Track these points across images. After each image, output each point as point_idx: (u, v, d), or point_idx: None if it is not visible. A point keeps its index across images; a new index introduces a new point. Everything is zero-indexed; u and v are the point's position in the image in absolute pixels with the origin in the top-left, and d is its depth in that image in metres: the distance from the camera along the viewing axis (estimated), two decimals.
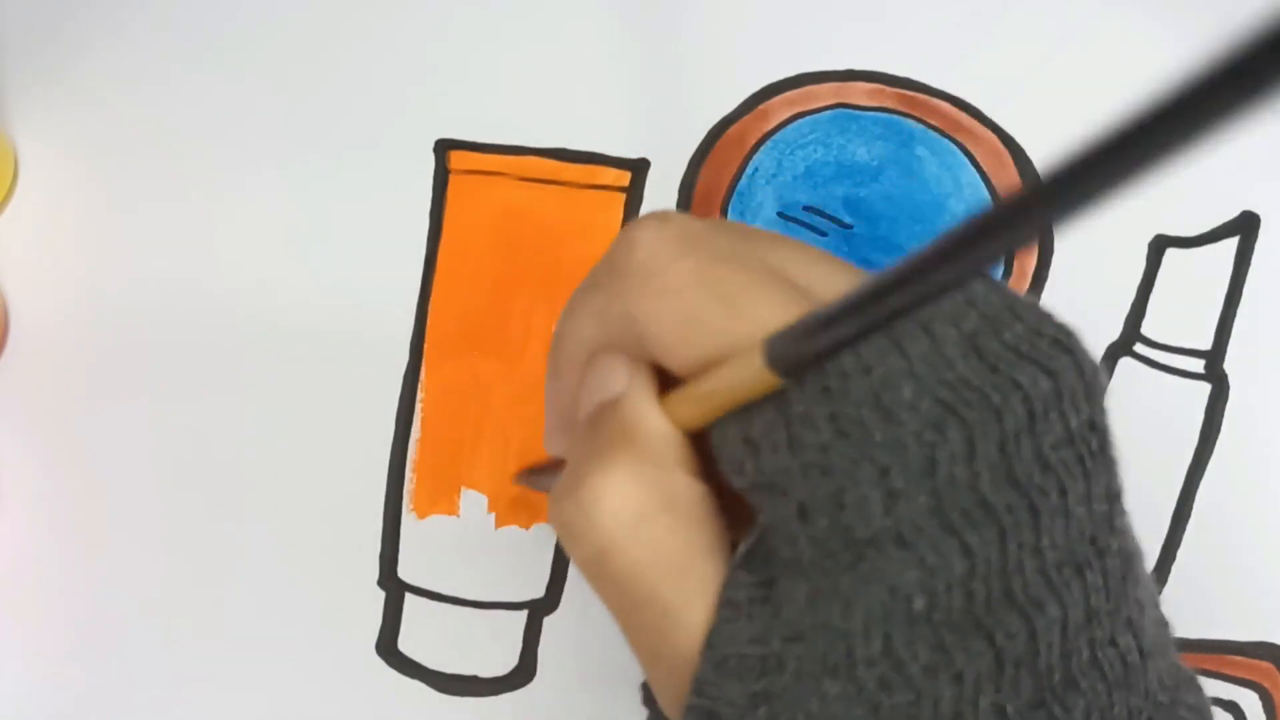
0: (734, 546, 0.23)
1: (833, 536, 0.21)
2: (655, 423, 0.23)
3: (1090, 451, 0.21)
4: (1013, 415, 0.20)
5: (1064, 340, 0.22)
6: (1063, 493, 0.21)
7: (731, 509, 0.24)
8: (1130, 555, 0.22)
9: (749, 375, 0.21)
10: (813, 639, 0.21)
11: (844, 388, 0.21)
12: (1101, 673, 0.21)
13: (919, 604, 0.20)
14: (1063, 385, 0.21)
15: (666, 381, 0.24)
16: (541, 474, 0.38)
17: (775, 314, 0.21)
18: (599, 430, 0.24)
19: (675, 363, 0.23)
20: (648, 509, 0.22)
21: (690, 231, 0.23)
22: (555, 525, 0.23)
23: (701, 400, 0.23)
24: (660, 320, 0.22)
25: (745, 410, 0.22)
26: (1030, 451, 0.20)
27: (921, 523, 0.20)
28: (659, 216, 0.23)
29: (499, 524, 0.41)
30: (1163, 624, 0.23)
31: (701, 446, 0.23)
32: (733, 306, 0.22)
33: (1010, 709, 0.20)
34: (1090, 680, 0.21)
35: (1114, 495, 0.22)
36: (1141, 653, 0.21)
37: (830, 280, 0.23)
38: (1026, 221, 0.17)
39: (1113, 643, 0.21)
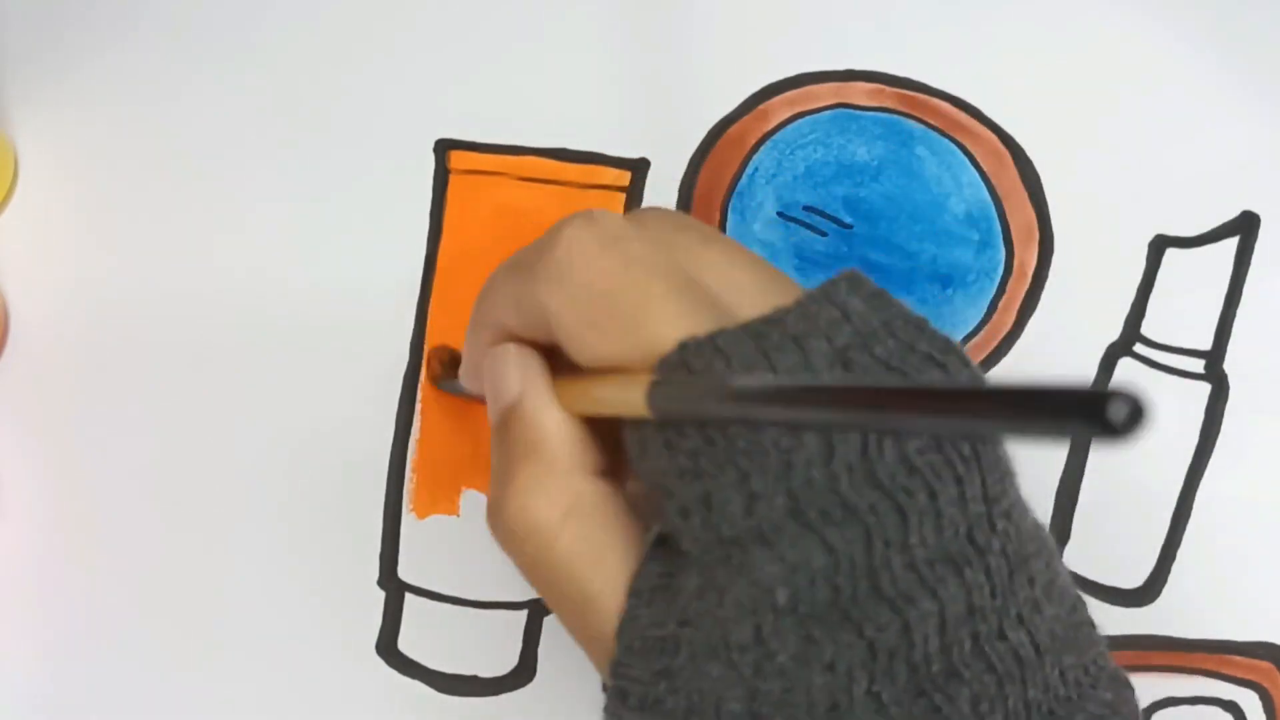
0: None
1: (706, 534, 0.22)
2: (552, 429, 0.25)
3: (962, 456, 0.22)
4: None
5: (937, 355, 0.23)
6: (932, 495, 0.21)
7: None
8: (1025, 555, 0.22)
9: (632, 403, 0.23)
10: (699, 624, 0.22)
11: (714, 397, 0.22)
12: (988, 664, 0.22)
13: (782, 597, 0.21)
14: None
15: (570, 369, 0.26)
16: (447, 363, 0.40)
17: (673, 329, 0.23)
18: (506, 441, 0.26)
19: (577, 358, 0.24)
20: (554, 517, 0.24)
21: (613, 233, 0.24)
22: (496, 540, 0.26)
23: (594, 400, 0.24)
24: (566, 317, 0.24)
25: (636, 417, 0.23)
26: (894, 455, 0.21)
27: (780, 522, 0.21)
28: (587, 215, 0.25)
29: None
30: (1080, 624, 0.24)
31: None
32: (632, 319, 0.23)
33: (886, 696, 0.21)
34: (975, 671, 0.21)
35: (993, 498, 0.22)
36: (1037, 648, 0.22)
37: (744, 291, 0.25)
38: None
39: (1001, 636, 0.22)
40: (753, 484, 0.21)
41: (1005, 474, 0.23)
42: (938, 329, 0.24)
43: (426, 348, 0.42)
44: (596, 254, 0.24)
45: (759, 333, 0.22)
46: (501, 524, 0.25)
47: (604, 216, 0.25)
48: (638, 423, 0.23)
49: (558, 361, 0.26)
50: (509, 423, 0.26)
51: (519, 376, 0.26)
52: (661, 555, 0.24)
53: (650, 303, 0.23)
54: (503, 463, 0.26)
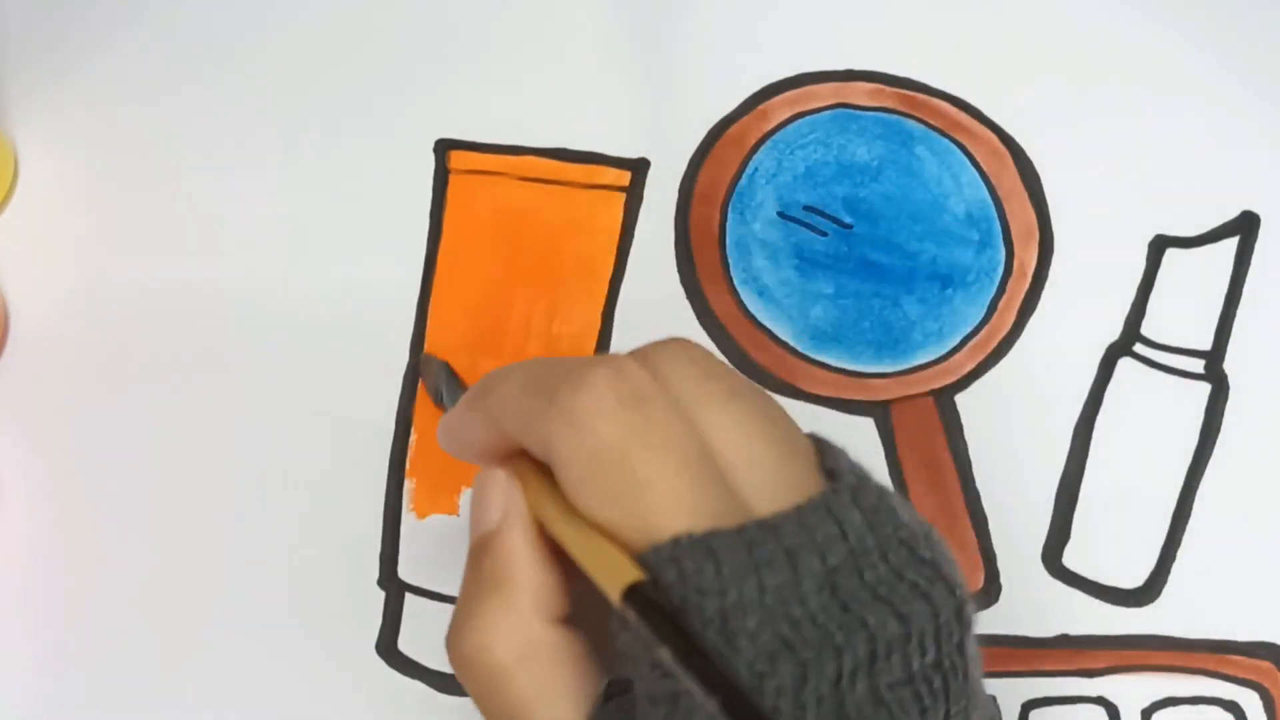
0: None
1: None
2: (521, 571, 0.25)
3: (931, 690, 0.22)
4: (852, 654, 0.22)
5: (923, 585, 0.23)
6: None
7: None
8: None
9: (607, 581, 0.23)
10: None
11: (698, 604, 0.22)
12: None
13: None
14: (912, 628, 0.22)
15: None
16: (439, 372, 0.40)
17: (673, 517, 0.23)
18: (476, 570, 0.26)
19: (575, 501, 0.24)
20: (509, 659, 0.25)
21: (639, 392, 0.24)
22: (452, 665, 0.26)
23: (574, 547, 0.24)
24: (572, 469, 0.24)
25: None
26: (864, 689, 0.22)
27: None
28: (617, 368, 0.24)
29: None
30: None
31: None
32: (636, 493, 0.23)
33: None
34: None
35: None
36: None
37: (757, 467, 0.24)
38: None
39: None
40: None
41: (970, 702, 0.23)
42: (936, 545, 0.24)
43: (426, 347, 0.42)
44: (616, 411, 0.24)
45: (753, 540, 0.22)
46: (457, 654, 0.26)
47: (634, 372, 0.25)
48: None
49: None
50: (483, 552, 0.26)
51: (501, 508, 0.26)
52: (618, 703, 0.24)
53: (657, 481, 0.23)
54: (469, 591, 0.26)
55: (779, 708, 0.21)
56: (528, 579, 0.25)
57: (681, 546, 0.22)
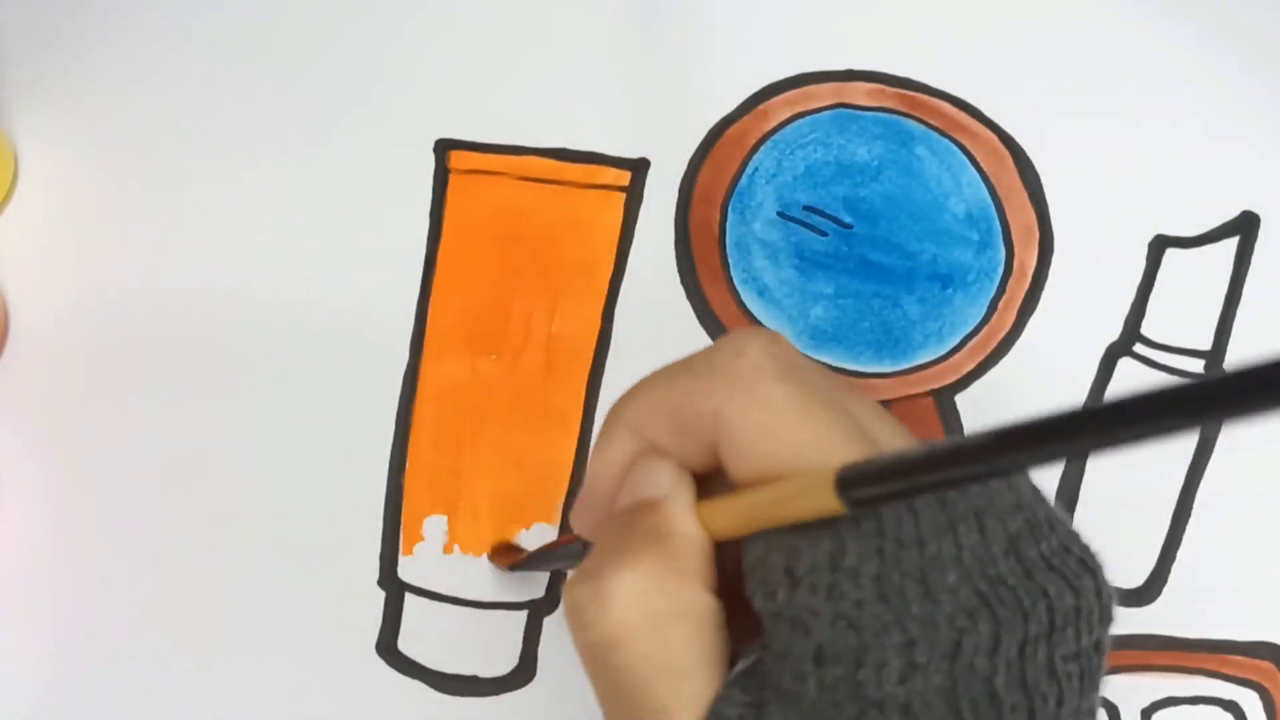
0: (733, 659, 0.24)
1: (841, 687, 0.22)
2: (689, 530, 0.24)
3: (1091, 669, 0.22)
4: (1037, 621, 0.22)
5: (1089, 562, 0.23)
6: (1059, 702, 0.22)
7: (735, 619, 0.24)
8: None
9: (813, 496, 0.22)
10: None
11: (896, 555, 0.22)
12: None
13: None
14: (1083, 603, 0.22)
15: (702, 493, 0.25)
16: (527, 556, 0.38)
17: (852, 460, 0.22)
18: (634, 524, 0.24)
19: (745, 472, 0.23)
20: (662, 611, 0.23)
21: (795, 359, 0.24)
22: (566, 606, 0.24)
23: (749, 512, 0.23)
24: (749, 429, 0.23)
25: (793, 542, 0.22)
26: (1044, 658, 0.22)
27: (931, 700, 0.21)
28: (770, 335, 0.24)
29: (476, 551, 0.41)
30: None
31: (723, 556, 0.25)
32: (820, 442, 0.23)
33: None
34: None
35: (1088, 712, 0.23)
36: None
37: (894, 438, 0.24)
38: (1097, 439, 0.19)
39: None
40: (917, 653, 0.21)
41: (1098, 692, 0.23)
42: (1081, 536, 0.24)
43: (426, 347, 0.42)
44: (784, 374, 0.23)
45: (946, 497, 0.22)
46: (594, 596, 0.23)
47: (783, 340, 0.24)
48: (785, 551, 0.23)
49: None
50: (641, 512, 0.25)
51: (670, 480, 0.25)
52: (747, 685, 0.23)
53: (833, 432, 0.23)
54: (622, 541, 0.24)
55: (975, 665, 0.21)
56: (696, 540, 0.24)
57: (852, 475, 0.21)
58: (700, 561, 0.24)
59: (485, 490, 0.41)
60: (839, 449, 0.23)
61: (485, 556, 0.41)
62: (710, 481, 0.25)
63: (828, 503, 0.21)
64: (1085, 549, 0.23)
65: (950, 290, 0.43)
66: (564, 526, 0.41)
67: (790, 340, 0.25)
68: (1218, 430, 0.42)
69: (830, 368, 0.42)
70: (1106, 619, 0.23)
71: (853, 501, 0.21)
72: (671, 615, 0.23)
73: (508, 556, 0.40)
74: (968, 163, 0.44)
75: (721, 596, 0.24)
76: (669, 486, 0.25)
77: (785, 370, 0.23)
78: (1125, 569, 0.41)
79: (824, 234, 0.43)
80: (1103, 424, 0.18)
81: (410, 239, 0.43)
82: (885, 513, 0.22)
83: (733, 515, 0.24)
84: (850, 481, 0.21)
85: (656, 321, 0.42)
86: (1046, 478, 0.41)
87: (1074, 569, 0.23)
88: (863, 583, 0.22)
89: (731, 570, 0.25)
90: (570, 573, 0.25)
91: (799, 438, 0.23)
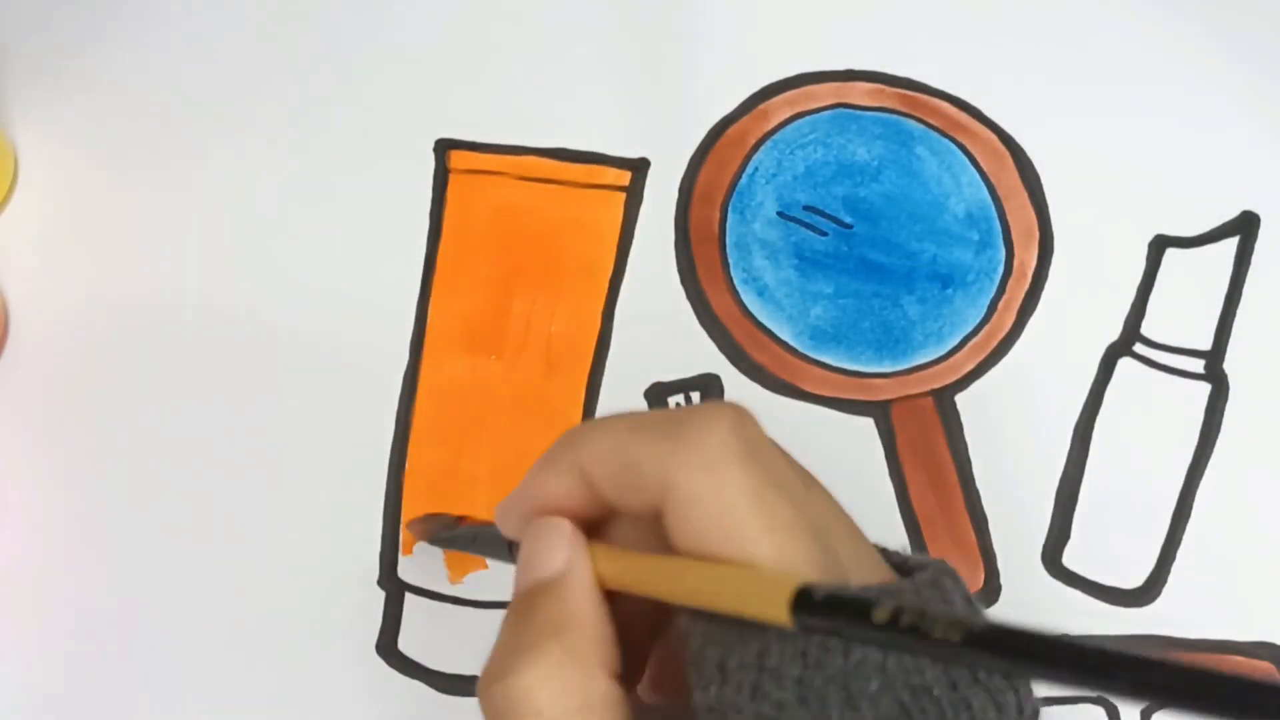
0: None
1: None
2: (589, 619, 0.24)
3: None
4: None
5: (1012, 679, 0.23)
6: None
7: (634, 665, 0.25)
8: None
9: (764, 601, 0.22)
10: None
11: (820, 659, 0.22)
12: None
13: None
14: (1004, 719, 0.23)
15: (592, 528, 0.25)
16: (437, 525, 0.38)
17: (800, 564, 0.22)
18: (534, 613, 0.25)
19: (686, 544, 0.23)
20: (564, 711, 0.23)
21: (761, 444, 0.24)
22: (483, 708, 0.24)
23: (677, 582, 0.23)
24: (702, 507, 0.23)
25: (729, 637, 0.23)
26: None
27: None
28: (740, 414, 0.24)
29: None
30: None
31: (624, 603, 0.25)
32: (770, 537, 0.23)
33: None
34: None
35: None
36: None
37: (845, 542, 0.24)
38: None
39: None
40: None
41: None
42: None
43: (426, 347, 0.42)
44: (749, 456, 0.23)
45: (876, 603, 0.22)
46: (499, 697, 0.24)
47: (752, 422, 0.24)
48: (718, 646, 0.23)
49: (601, 533, 0.26)
50: (539, 596, 0.25)
51: (565, 555, 0.25)
52: None
53: (782, 530, 0.23)
54: (518, 635, 0.24)
55: None
56: (594, 627, 0.24)
57: (816, 595, 0.21)
58: (600, 646, 0.24)
59: (485, 490, 0.41)
60: (788, 549, 0.23)
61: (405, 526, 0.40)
62: (625, 525, 0.26)
63: (777, 614, 0.21)
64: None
65: (950, 290, 0.43)
66: None
67: (758, 422, 0.25)
68: (1218, 430, 0.42)
69: (832, 368, 0.42)
70: None
71: (805, 626, 0.21)
72: (571, 712, 0.23)
73: (426, 526, 0.39)
74: (968, 163, 0.44)
75: (662, 662, 0.25)
76: (564, 562, 0.25)
77: (751, 453, 0.23)
78: (1125, 569, 0.41)
79: (824, 234, 0.43)
80: (1082, 665, 0.18)
81: (410, 239, 0.43)
82: (812, 615, 0.22)
83: (653, 581, 0.24)
84: (808, 604, 0.21)
85: (656, 321, 0.42)
86: (1046, 479, 0.41)
87: (999, 685, 0.23)
88: (785, 684, 0.22)
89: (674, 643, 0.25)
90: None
91: (750, 529, 0.23)
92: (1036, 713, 0.23)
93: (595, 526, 0.26)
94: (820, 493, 0.25)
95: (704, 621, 0.23)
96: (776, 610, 0.21)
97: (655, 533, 0.24)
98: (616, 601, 0.25)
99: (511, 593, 0.26)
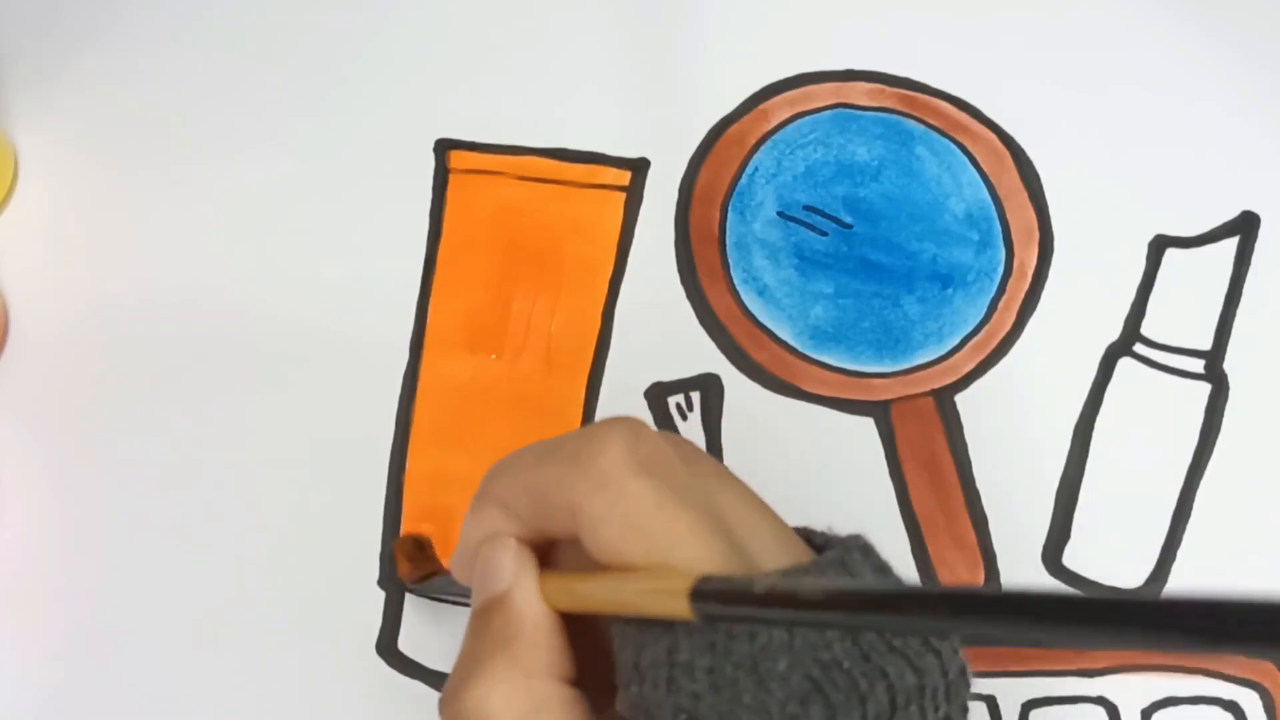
0: None
1: None
2: (532, 627, 0.25)
3: None
4: (875, 702, 0.23)
5: (933, 641, 0.24)
6: None
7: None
8: None
9: (667, 600, 0.23)
10: None
11: (727, 647, 0.23)
12: None
13: None
14: (926, 682, 0.23)
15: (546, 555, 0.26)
16: (425, 580, 0.39)
17: (706, 561, 0.23)
18: (485, 628, 0.26)
19: (607, 560, 0.24)
20: (518, 715, 0.24)
21: (656, 454, 0.25)
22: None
23: (599, 596, 0.25)
24: (607, 525, 0.24)
25: (640, 638, 0.24)
26: None
27: None
28: (632, 428, 0.25)
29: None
30: None
31: (592, 624, 0.26)
32: (675, 540, 0.24)
33: None
34: None
35: None
36: None
37: (758, 532, 0.25)
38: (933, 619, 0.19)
39: None
40: None
41: None
42: None
43: (426, 347, 0.42)
44: (642, 471, 0.24)
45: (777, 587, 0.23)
46: (455, 711, 0.25)
47: (648, 435, 0.25)
48: (633, 646, 0.24)
49: (552, 557, 0.27)
50: (490, 612, 0.26)
51: (513, 569, 0.26)
52: None
53: (687, 536, 0.24)
54: (473, 650, 0.26)
55: None
56: (540, 636, 0.25)
57: (713, 586, 0.22)
58: (547, 653, 0.25)
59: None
60: (694, 547, 0.23)
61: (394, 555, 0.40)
62: (568, 547, 0.26)
63: (680, 608, 0.22)
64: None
65: (950, 290, 0.43)
66: None
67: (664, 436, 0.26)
68: (1218, 430, 0.42)
69: (832, 368, 0.42)
70: (955, 695, 0.23)
71: (704, 614, 0.22)
72: (530, 714, 0.24)
73: (413, 564, 0.40)
74: (968, 163, 0.44)
75: (591, 655, 0.25)
76: (511, 576, 0.26)
77: (644, 467, 0.24)
78: (1125, 569, 0.41)
79: (824, 234, 0.43)
80: (942, 609, 0.19)
81: (410, 239, 0.43)
82: (715, 606, 0.22)
83: (582, 597, 0.25)
84: (704, 595, 0.22)
85: (656, 321, 0.42)
86: (1046, 479, 0.41)
87: (916, 649, 0.23)
88: (697, 675, 0.23)
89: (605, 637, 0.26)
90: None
91: (655, 537, 0.24)
92: (964, 670, 0.24)
93: (543, 554, 0.27)
94: (728, 483, 0.26)
95: (621, 626, 0.24)
96: (678, 605, 0.22)
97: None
98: (583, 620, 0.26)
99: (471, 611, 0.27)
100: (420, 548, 0.40)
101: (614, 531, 0.24)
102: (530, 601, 0.26)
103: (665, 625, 0.23)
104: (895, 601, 0.19)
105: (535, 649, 0.25)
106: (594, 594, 0.25)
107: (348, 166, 0.44)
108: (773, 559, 0.24)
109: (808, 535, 0.26)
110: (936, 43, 0.45)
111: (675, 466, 0.25)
